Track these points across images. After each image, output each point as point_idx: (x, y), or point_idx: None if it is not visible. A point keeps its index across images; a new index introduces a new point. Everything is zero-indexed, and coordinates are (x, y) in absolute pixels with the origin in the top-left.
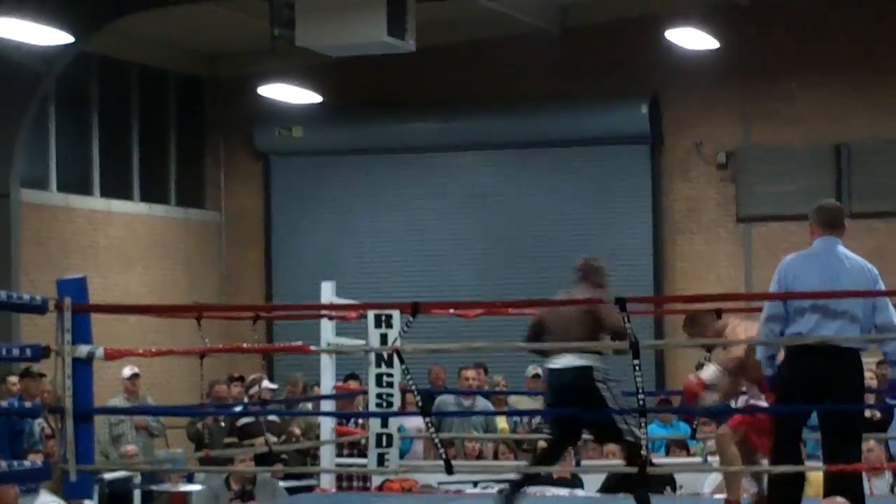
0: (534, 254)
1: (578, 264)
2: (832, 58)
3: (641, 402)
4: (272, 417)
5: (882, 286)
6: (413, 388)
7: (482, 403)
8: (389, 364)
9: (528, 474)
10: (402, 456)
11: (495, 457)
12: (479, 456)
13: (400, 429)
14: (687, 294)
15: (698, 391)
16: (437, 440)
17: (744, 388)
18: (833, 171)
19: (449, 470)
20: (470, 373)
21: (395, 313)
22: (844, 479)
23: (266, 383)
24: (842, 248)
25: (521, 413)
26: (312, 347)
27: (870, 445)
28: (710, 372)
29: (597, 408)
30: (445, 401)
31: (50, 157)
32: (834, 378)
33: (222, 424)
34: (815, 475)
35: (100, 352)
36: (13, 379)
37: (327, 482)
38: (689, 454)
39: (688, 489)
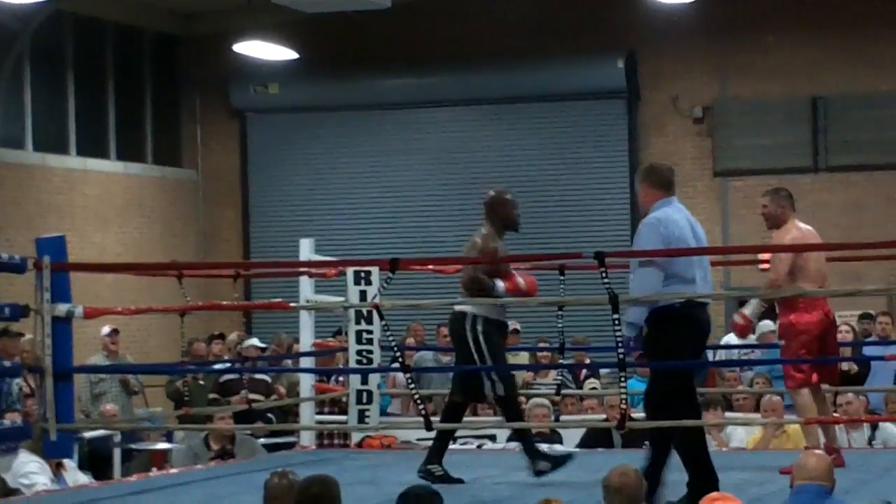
0: None
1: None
2: (808, 11)
3: (621, 357)
4: (260, 376)
5: None
6: (393, 344)
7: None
8: (369, 321)
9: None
10: (381, 411)
11: (474, 412)
12: None
13: (379, 385)
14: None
15: (747, 326)
16: (416, 396)
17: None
18: (810, 125)
19: (428, 426)
20: (445, 329)
21: (374, 270)
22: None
23: (254, 341)
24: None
25: (507, 368)
26: (291, 304)
27: (848, 398)
28: (752, 307)
29: (465, 359)
30: (424, 357)
31: (26, 116)
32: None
33: (201, 383)
34: (794, 427)
35: (79, 310)
36: None
37: (307, 439)
38: None
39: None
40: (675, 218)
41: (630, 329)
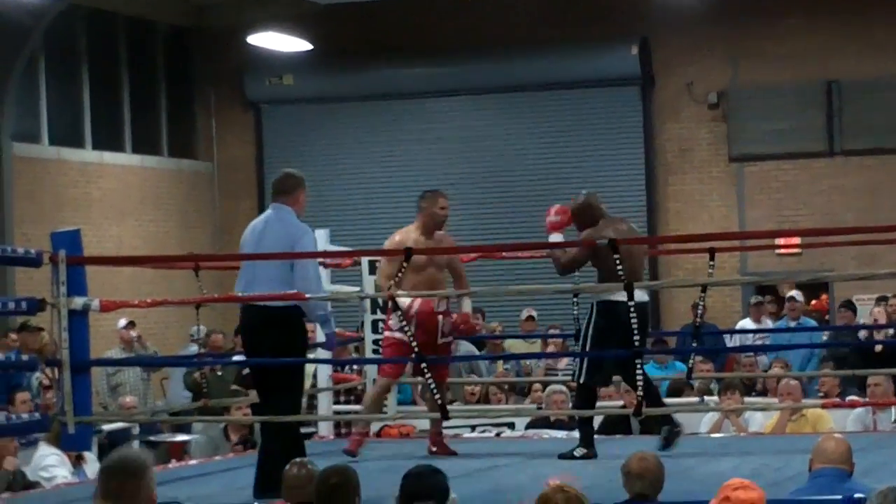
0: (526, 197)
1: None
2: None
3: (636, 343)
4: None
5: (304, 247)
6: (409, 334)
7: (465, 348)
8: (385, 311)
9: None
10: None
11: (486, 400)
12: (479, 400)
13: None
14: (680, 234)
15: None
16: (432, 386)
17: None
18: (824, 109)
19: (444, 415)
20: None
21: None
22: (275, 428)
23: None
24: (275, 214)
25: (517, 357)
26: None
27: (876, 380)
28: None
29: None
30: None
31: (41, 110)
32: (259, 334)
33: (219, 374)
34: (812, 411)
35: (95, 303)
36: (13, 335)
37: (325, 429)
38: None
39: (686, 429)
40: (249, 226)
41: None
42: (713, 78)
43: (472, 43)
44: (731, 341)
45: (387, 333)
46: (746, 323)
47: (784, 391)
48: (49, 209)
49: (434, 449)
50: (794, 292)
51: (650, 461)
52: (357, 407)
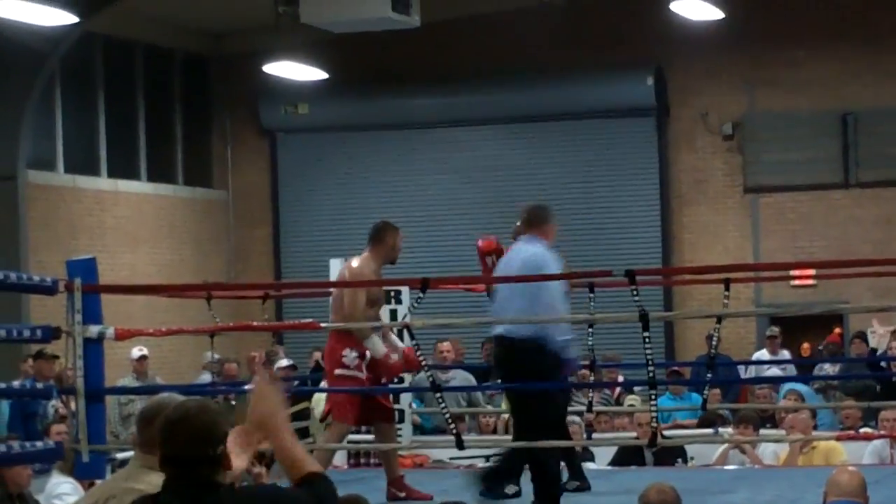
0: None
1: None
2: (837, 24)
3: (651, 374)
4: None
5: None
6: (424, 363)
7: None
8: (400, 340)
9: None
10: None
11: (505, 431)
12: (494, 431)
13: (412, 403)
14: (695, 265)
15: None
16: (447, 416)
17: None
18: (839, 140)
19: (460, 445)
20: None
21: (405, 289)
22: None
23: (283, 361)
24: (522, 245)
25: (520, 387)
26: (322, 324)
27: (893, 414)
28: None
29: None
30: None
31: (56, 137)
32: (497, 363)
33: (233, 403)
34: (824, 443)
35: (110, 332)
36: (28, 362)
37: (339, 459)
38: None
39: (699, 460)
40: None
41: None
42: (728, 108)
43: (487, 73)
44: (746, 373)
45: (339, 372)
46: (762, 354)
47: (793, 424)
48: (64, 237)
49: (402, 494)
50: (773, 328)
51: (668, 492)
52: (372, 437)
